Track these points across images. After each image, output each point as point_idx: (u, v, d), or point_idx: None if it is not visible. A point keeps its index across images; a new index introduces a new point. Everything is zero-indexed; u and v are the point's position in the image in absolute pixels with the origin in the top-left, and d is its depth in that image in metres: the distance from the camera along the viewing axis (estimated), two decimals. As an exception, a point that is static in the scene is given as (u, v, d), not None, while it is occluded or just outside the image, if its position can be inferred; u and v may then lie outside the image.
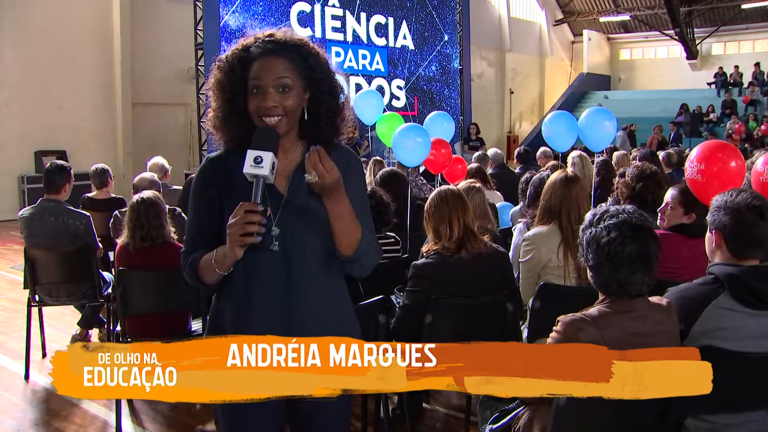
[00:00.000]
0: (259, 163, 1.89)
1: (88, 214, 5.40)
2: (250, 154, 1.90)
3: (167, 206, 4.83)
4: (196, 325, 4.58)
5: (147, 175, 6.29)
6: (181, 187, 6.63)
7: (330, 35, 15.34)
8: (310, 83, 2.09)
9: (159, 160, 7.43)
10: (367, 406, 3.87)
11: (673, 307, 2.47)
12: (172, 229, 4.53)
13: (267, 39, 2.07)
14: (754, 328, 2.55)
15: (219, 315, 2.16)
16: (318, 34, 15.15)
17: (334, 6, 15.40)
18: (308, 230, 2.08)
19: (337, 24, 15.52)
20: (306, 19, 14.88)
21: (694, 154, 3.85)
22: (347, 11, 15.65)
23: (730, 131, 19.85)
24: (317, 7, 15.07)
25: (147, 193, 4.56)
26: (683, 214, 3.76)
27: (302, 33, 12.46)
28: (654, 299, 2.43)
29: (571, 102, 24.24)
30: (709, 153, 3.80)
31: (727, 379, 2.56)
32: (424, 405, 4.47)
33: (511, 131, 24.61)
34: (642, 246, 2.30)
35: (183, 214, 5.55)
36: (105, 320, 5.62)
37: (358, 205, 2.14)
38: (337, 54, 15.35)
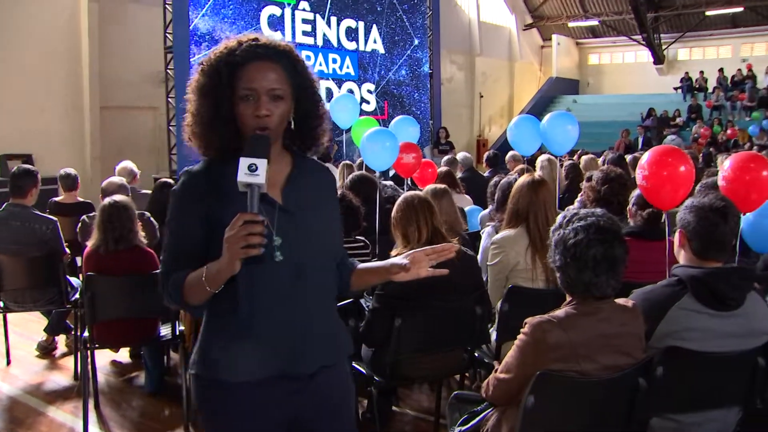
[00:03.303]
0: (254, 171, 1.79)
1: (55, 218, 5.34)
2: (244, 162, 1.79)
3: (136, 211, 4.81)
4: (165, 331, 4.55)
5: (116, 179, 6.23)
6: (150, 192, 6.58)
7: (300, 39, 15.29)
8: (297, 91, 2.03)
9: (128, 164, 7.37)
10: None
11: (639, 308, 2.51)
12: (142, 233, 4.50)
13: (254, 43, 1.99)
14: (717, 328, 2.61)
15: (216, 337, 2.02)
16: (288, 38, 15.08)
17: (304, 10, 15.36)
18: (308, 240, 2.01)
19: (308, 28, 15.48)
20: (276, 23, 14.83)
21: (644, 159, 3.91)
22: (318, 15, 15.61)
23: (695, 135, 20.12)
24: (287, 10, 15.02)
25: (119, 197, 4.53)
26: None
27: (273, 36, 12.42)
28: (620, 301, 2.47)
29: (541, 106, 24.44)
30: (659, 158, 3.86)
31: (691, 379, 2.63)
32: (394, 408, 4.49)
33: (480, 135, 24.73)
34: (608, 248, 2.33)
35: (152, 219, 5.52)
36: (72, 326, 5.56)
37: (339, 226, 2.23)
38: (308, 58, 15.23)
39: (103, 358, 5.44)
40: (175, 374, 5.10)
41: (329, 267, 2.12)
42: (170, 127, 13.22)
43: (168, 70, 13.03)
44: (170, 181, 6.62)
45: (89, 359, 4.41)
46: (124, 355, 5.58)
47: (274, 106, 1.96)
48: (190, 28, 13.06)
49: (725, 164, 4.05)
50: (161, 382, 4.89)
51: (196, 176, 2.04)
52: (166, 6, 12.81)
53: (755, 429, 2.96)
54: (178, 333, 4.47)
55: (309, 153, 2.16)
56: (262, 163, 1.80)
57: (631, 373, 2.43)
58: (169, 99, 13.08)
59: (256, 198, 1.80)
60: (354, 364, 3.64)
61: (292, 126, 2.06)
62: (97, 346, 4.39)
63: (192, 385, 2.12)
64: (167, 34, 12.94)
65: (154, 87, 13.94)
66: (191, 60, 13.06)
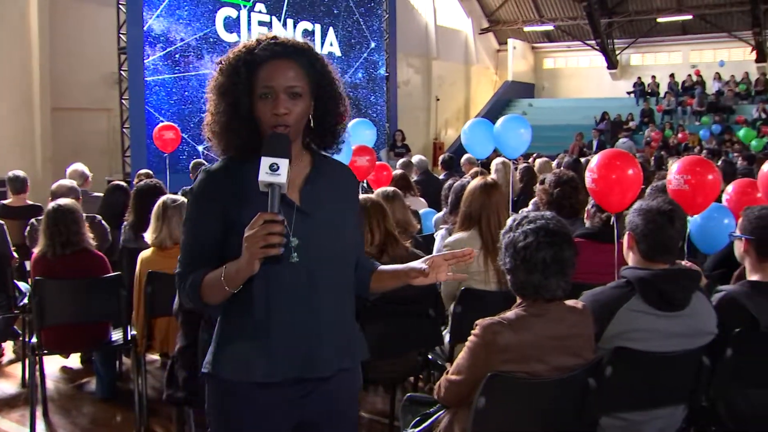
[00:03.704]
0: (276, 171, 1.77)
1: (2, 222, 5.24)
2: (265, 161, 1.78)
3: (87, 214, 4.73)
4: (117, 335, 4.48)
5: (65, 181, 6.13)
6: (102, 194, 6.47)
7: (256, 41, 15.21)
8: (317, 89, 2.01)
9: (79, 166, 7.25)
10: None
11: (588, 310, 2.55)
12: (91, 236, 4.42)
13: (273, 41, 1.97)
14: (663, 328, 2.66)
15: (231, 337, 2.00)
16: (244, 40, 14.97)
17: (260, 12, 15.27)
18: (326, 241, 1.99)
19: (264, 30, 15.34)
20: (232, 25, 14.72)
21: (593, 162, 3.97)
22: (274, 17, 15.53)
23: (648, 139, 20.47)
24: (243, 12, 14.92)
25: (63, 200, 4.45)
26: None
27: (228, 38, 12.32)
28: (570, 302, 2.50)
29: (496, 109, 24.61)
30: (608, 161, 3.92)
31: (639, 379, 2.68)
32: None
33: (437, 138, 24.83)
34: (557, 251, 2.36)
35: (103, 222, 5.44)
36: (20, 332, 5.44)
37: (358, 227, 2.22)
38: (264, 60, 15.22)
39: (53, 364, 5.34)
40: (128, 379, 5.02)
41: (347, 269, 2.09)
42: (124, 129, 13.04)
43: (122, 71, 12.87)
44: (123, 183, 6.54)
45: (38, 365, 4.33)
46: (74, 360, 5.48)
47: (293, 104, 1.94)
48: (145, 28, 12.89)
49: (672, 168, 4.13)
50: (113, 387, 4.82)
51: (214, 175, 2.02)
52: (120, 6, 12.63)
53: (700, 426, 3.04)
54: (130, 337, 4.40)
55: (329, 152, 2.14)
56: (283, 163, 1.79)
57: (581, 374, 2.47)
58: (123, 100, 12.90)
59: (276, 198, 1.78)
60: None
61: (311, 124, 2.03)
62: (45, 352, 4.31)
63: (206, 384, 2.09)
64: (121, 35, 12.77)
65: (108, 88, 13.74)
66: (145, 61, 12.91)
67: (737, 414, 3.05)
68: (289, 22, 15.86)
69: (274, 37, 1.99)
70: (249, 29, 15.02)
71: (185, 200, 4.36)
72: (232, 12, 14.67)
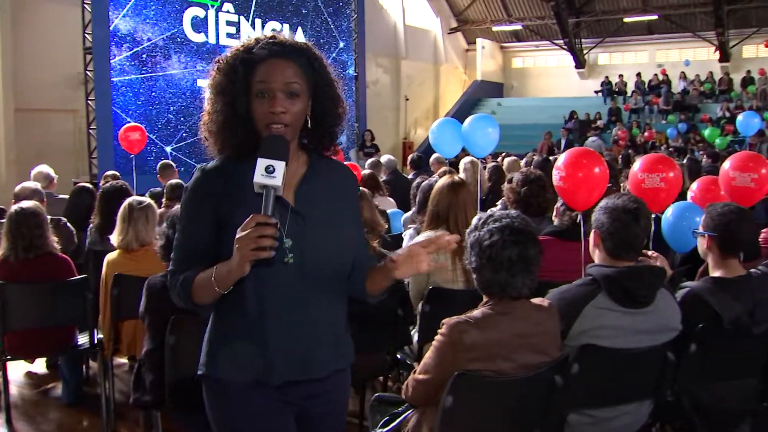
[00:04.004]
0: (272, 173, 1.76)
1: (-36, 225, 5.14)
2: (261, 163, 1.77)
3: (52, 216, 4.67)
4: (83, 339, 4.42)
5: (29, 184, 6.04)
6: (67, 196, 6.38)
7: (224, 41, 15.09)
8: (315, 89, 1.99)
9: (43, 168, 7.16)
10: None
11: (554, 307, 2.56)
12: (55, 239, 4.35)
13: (271, 41, 1.95)
14: (629, 325, 2.69)
15: (225, 337, 1.99)
16: (212, 40, 14.90)
17: (228, 12, 15.17)
18: (320, 242, 1.96)
19: (232, 30, 15.29)
20: (200, 25, 14.62)
21: (560, 161, 4.01)
22: (242, 17, 15.45)
23: (615, 137, 20.68)
24: (211, 12, 14.82)
25: (26, 203, 4.38)
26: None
27: (196, 38, 12.22)
28: (535, 301, 2.52)
29: (466, 109, 24.70)
30: (575, 160, 3.96)
31: (605, 375, 2.70)
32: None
33: (406, 138, 24.87)
34: (522, 249, 2.37)
35: (69, 225, 5.37)
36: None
37: (359, 227, 2.19)
38: (232, 60, 15.13)
39: (17, 369, 5.25)
40: (94, 384, 4.96)
41: (342, 270, 2.06)
42: (90, 130, 12.89)
43: (87, 72, 12.71)
44: (89, 185, 6.45)
45: (1, 371, 4.25)
46: (39, 365, 5.40)
47: (290, 103, 1.92)
48: (111, 28, 12.76)
49: (634, 166, 4.18)
50: (79, 392, 4.75)
51: (209, 174, 2.01)
52: (85, 5, 12.48)
53: (665, 420, 3.08)
54: (96, 341, 4.35)
55: (327, 153, 2.11)
56: (279, 165, 1.78)
57: (548, 371, 2.48)
58: (89, 101, 12.75)
59: (271, 200, 1.77)
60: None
61: (309, 125, 2.01)
62: (9, 357, 4.24)
63: (202, 386, 2.07)
64: (86, 35, 12.61)
65: (74, 89, 13.58)
66: (111, 61, 12.77)
67: (702, 408, 3.10)
68: (257, 22, 15.79)
69: (273, 37, 1.97)
70: (217, 29, 14.93)
71: (152, 202, 4.34)
72: (199, 12, 14.57)
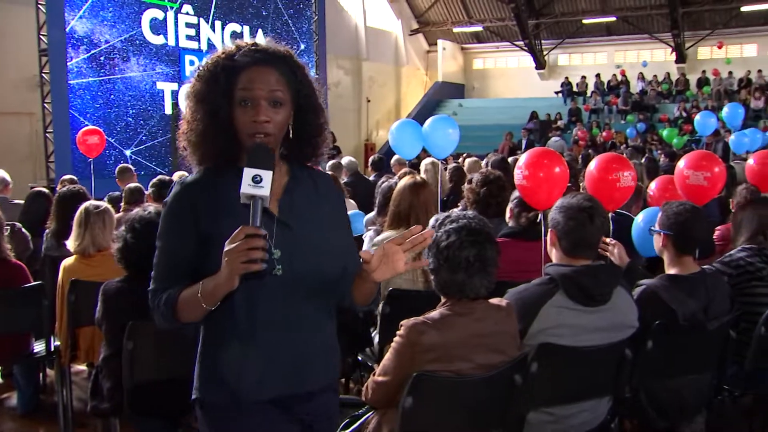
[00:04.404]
0: (259, 183, 1.70)
1: None
2: (248, 173, 1.71)
3: (7, 221, 4.57)
4: (39, 347, 4.34)
5: (-17, 189, 5.93)
6: (22, 201, 6.27)
7: (184, 43, 14.98)
8: (298, 98, 1.93)
9: (-2, 172, 7.01)
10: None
11: (512, 307, 2.58)
12: (9, 246, 4.26)
13: (253, 48, 1.89)
14: (587, 323, 2.72)
15: (216, 357, 1.92)
16: (171, 42, 14.77)
17: (187, 14, 15.05)
18: (308, 252, 1.91)
19: (191, 32, 15.18)
20: (159, 27, 14.48)
21: (522, 160, 4.04)
22: (201, 19, 15.34)
23: (575, 138, 20.91)
24: (170, 14, 14.69)
25: (-22, 208, 4.29)
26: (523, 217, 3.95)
27: (155, 40, 12.10)
28: (494, 301, 2.53)
29: (427, 110, 24.80)
30: (536, 159, 3.99)
31: (564, 373, 2.72)
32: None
33: (368, 139, 24.91)
34: (480, 250, 2.38)
35: (24, 230, 5.27)
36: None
37: (347, 234, 2.13)
38: (191, 63, 14.98)
39: (-29, 379, 5.15)
40: (52, 392, 4.87)
41: (331, 280, 1.98)
42: (47, 134, 12.69)
43: (43, 74, 12.51)
44: (45, 190, 6.35)
45: (-46, 381, 4.17)
46: (-6, 374, 5.29)
47: (274, 112, 1.86)
48: (67, 30, 12.58)
49: (591, 165, 4.24)
50: (35, 401, 4.66)
51: (189, 188, 1.94)
52: (39, 6, 12.28)
53: (624, 415, 3.12)
54: (53, 349, 4.27)
55: (308, 163, 2.06)
56: (267, 175, 1.72)
57: (507, 371, 2.49)
58: (45, 104, 12.55)
59: (258, 211, 1.71)
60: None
61: (290, 135, 1.95)
62: (-38, 366, 4.15)
63: (196, 410, 1.99)
64: (41, 36, 12.41)
65: (29, 91, 13.35)
66: (68, 64, 12.58)
67: (659, 402, 3.16)
68: (218, 24, 15.69)
69: (255, 44, 1.92)
70: (176, 31, 14.81)
71: (108, 206, 4.28)
72: (158, 13, 14.44)
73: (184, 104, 1.99)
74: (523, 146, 19.27)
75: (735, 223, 3.83)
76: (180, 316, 1.87)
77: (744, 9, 23.97)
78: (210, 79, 1.89)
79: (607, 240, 3.62)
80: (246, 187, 1.71)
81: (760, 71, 23.34)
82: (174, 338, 3.17)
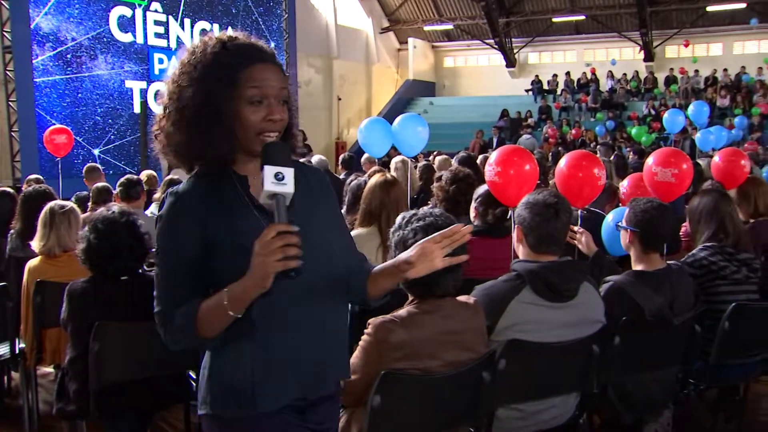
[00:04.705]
0: (281, 180, 1.65)
1: None
2: (270, 171, 1.65)
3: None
4: (3, 350, 4.27)
5: (-56, 190, 5.82)
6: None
7: (152, 41, 14.85)
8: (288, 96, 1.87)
9: (-39, 173, 6.90)
10: (191, 421, 3.76)
11: (480, 304, 2.59)
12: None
13: (249, 43, 1.83)
14: (554, 319, 2.74)
15: (229, 367, 1.83)
16: (140, 40, 14.64)
17: (156, 11, 14.93)
18: (317, 252, 1.82)
19: (160, 29, 15.06)
20: (127, 24, 14.34)
21: (492, 157, 4.06)
22: (170, 17, 15.23)
23: (546, 135, 21.05)
24: (138, 11, 14.56)
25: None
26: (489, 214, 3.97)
27: (123, 38, 11.97)
28: (461, 298, 2.54)
29: (398, 108, 24.76)
30: (506, 157, 4.01)
31: (532, 369, 2.74)
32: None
33: (339, 138, 24.87)
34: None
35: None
36: None
37: (346, 231, 2.09)
38: (160, 61, 14.88)
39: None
40: (16, 396, 4.79)
41: (340, 277, 1.95)
42: (12, 133, 12.51)
43: (7, 72, 12.32)
44: (9, 189, 6.24)
45: None
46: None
47: (283, 110, 1.82)
48: (32, 27, 12.41)
49: (560, 162, 4.26)
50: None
51: (186, 196, 1.82)
52: (2, 2, 12.10)
53: (592, 410, 3.14)
54: (18, 351, 4.20)
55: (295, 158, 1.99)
56: (289, 172, 1.67)
57: (475, 368, 2.50)
58: (10, 103, 12.37)
59: (283, 209, 1.67)
60: (191, 374, 3.54)
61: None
62: None
63: (206, 425, 1.91)
64: (5, 33, 12.22)
65: (-7, 90, 13.16)
66: (33, 61, 12.42)
67: (626, 397, 3.19)
68: (186, 21, 15.59)
69: (235, 38, 1.84)
70: (145, 29, 14.69)
71: (74, 206, 4.22)
72: (126, 11, 14.31)
73: (163, 104, 1.86)
74: (494, 144, 19.33)
75: (692, 219, 3.83)
76: (203, 331, 1.76)
77: (710, 9, 24.31)
78: (210, 77, 1.78)
79: (575, 228, 3.64)
80: (270, 185, 1.65)
81: (725, 70, 23.68)
82: (142, 338, 3.15)
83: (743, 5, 23.48)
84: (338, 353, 1.98)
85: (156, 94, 14.18)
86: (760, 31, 24.00)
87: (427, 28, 28.74)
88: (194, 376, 3.44)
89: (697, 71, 24.11)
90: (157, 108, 1.92)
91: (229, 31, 1.88)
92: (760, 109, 20.63)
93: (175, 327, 1.77)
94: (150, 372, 3.24)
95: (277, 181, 1.66)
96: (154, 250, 1.83)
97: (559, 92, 25.39)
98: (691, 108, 11.14)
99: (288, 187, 1.67)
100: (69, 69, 13.23)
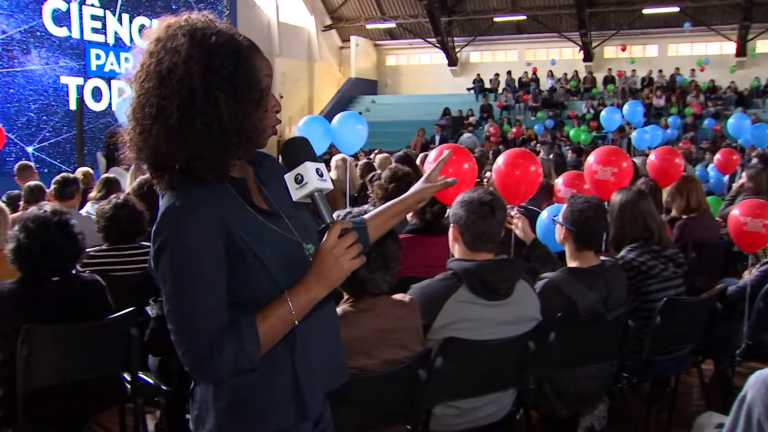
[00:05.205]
0: (322, 176, 1.58)
1: None
2: (311, 167, 1.57)
3: None
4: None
5: None
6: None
7: (89, 36, 14.52)
8: None
9: None
10: (126, 424, 3.69)
11: (416, 303, 2.59)
12: None
13: (233, 31, 1.65)
14: (490, 317, 2.75)
15: (248, 385, 1.63)
16: (76, 35, 14.30)
17: (93, 5, 14.60)
18: (315, 241, 1.66)
19: (97, 24, 14.73)
20: (62, 18, 13.99)
21: (431, 156, 4.08)
22: (108, 11, 14.91)
23: (487, 134, 21.25)
24: (74, 5, 14.22)
25: None
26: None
27: (58, 32, 11.68)
28: (397, 296, 2.54)
29: (340, 106, 24.69)
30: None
31: (469, 367, 2.75)
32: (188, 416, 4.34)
33: (281, 136, 24.67)
34: (380, 245, 2.37)
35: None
36: None
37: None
38: (97, 57, 14.56)
39: None
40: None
41: None
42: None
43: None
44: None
45: None
46: None
47: None
48: (-42, 20, 12.04)
49: (498, 160, 4.30)
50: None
51: (200, 209, 1.56)
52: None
53: (529, 406, 3.18)
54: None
55: None
56: (323, 167, 1.62)
57: (411, 366, 2.50)
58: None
59: (326, 204, 1.60)
60: (140, 375, 3.48)
61: None
62: None
63: None
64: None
65: None
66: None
67: (562, 392, 3.24)
68: (125, 16, 15.27)
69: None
70: (81, 23, 14.36)
71: (3, 206, 4.09)
72: (61, 4, 13.97)
73: (141, 104, 1.59)
74: (437, 142, 19.45)
75: (613, 216, 3.83)
76: (264, 348, 1.58)
77: (646, 11, 24.94)
78: (225, 62, 1.56)
79: (513, 213, 3.66)
80: (316, 182, 1.58)
81: (660, 71, 24.30)
82: (74, 340, 3.08)
83: (677, 9, 24.12)
84: (340, 349, 1.88)
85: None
86: (693, 34, 24.70)
87: (369, 26, 28.76)
88: (128, 378, 3.38)
89: (634, 71, 24.67)
90: (124, 108, 1.71)
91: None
92: (693, 109, 21.20)
93: (227, 352, 1.53)
94: (82, 375, 3.17)
95: (319, 177, 1.59)
96: (160, 280, 1.58)
97: (500, 91, 25.68)
98: (626, 108, 11.39)
99: (329, 182, 1.62)
100: (0, 63, 12.86)
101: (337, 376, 1.80)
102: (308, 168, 1.59)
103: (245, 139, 1.57)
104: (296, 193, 1.60)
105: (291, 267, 1.62)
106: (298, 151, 1.63)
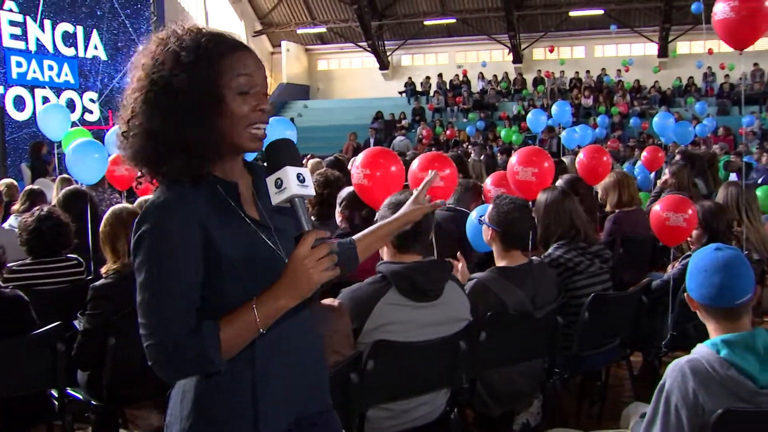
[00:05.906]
0: (304, 182, 1.53)
1: None
2: (292, 172, 1.53)
3: None
4: None
5: None
6: None
7: (8, 43, 14.05)
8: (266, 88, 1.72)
9: None
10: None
11: (345, 307, 2.59)
12: None
13: (220, 31, 1.66)
14: (420, 318, 2.77)
15: (223, 395, 1.63)
16: (-6, 42, 13.87)
17: (11, 11, 14.14)
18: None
19: (17, 31, 14.27)
20: (-22, 24, 13.56)
21: (359, 160, 4.09)
22: (28, 17, 14.46)
23: (420, 136, 21.37)
24: (-10, 11, 13.79)
25: None
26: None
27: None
28: (326, 301, 2.53)
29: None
30: (372, 159, 4.04)
31: (401, 369, 2.76)
32: (121, 431, 4.26)
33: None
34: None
35: None
36: None
37: None
38: (18, 64, 14.12)
39: None
40: None
41: None
42: None
43: None
44: None
45: None
46: None
47: (267, 101, 1.67)
48: None
49: (413, 163, 4.35)
50: None
51: (177, 205, 1.58)
52: None
53: (462, 405, 3.21)
54: None
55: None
56: (306, 172, 1.56)
57: (342, 370, 2.51)
58: None
59: (306, 212, 1.56)
60: (69, 391, 3.39)
61: None
62: None
63: None
64: None
65: None
66: None
67: (495, 390, 3.28)
68: (47, 23, 14.83)
69: (200, 29, 1.70)
70: (-1, 30, 13.90)
71: None
72: (-24, 10, 13.50)
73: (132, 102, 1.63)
74: (371, 145, 19.47)
75: (539, 215, 3.90)
76: (226, 354, 1.56)
77: (572, 14, 25.51)
78: (201, 65, 1.59)
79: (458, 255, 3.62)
80: (295, 188, 1.53)
81: (588, 72, 24.85)
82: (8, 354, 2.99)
83: (601, 11, 24.73)
84: (323, 362, 1.86)
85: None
86: (618, 36, 25.33)
87: (300, 31, 28.67)
88: (56, 394, 3.29)
89: (563, 72, 25.17)
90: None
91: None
92: (619, 108, 21.74)
93: (190, 355, 1.52)
94: (7, 393, 3.07)
95: (300, 183, 1.55)
96: (136, 271, 1.58)
97: (432, 94, 25.86)
98: (555, 108, 11.58)
99: (310, 189, 1.57)
100: None
101: (313, 402, 1.78)
102: (288, 173, 1.55)
103: (185, 147, 1.57)
104: (275, 198, 1.56)
105: (266, 277, 1.58)
106: (280, 154, 1.59)
